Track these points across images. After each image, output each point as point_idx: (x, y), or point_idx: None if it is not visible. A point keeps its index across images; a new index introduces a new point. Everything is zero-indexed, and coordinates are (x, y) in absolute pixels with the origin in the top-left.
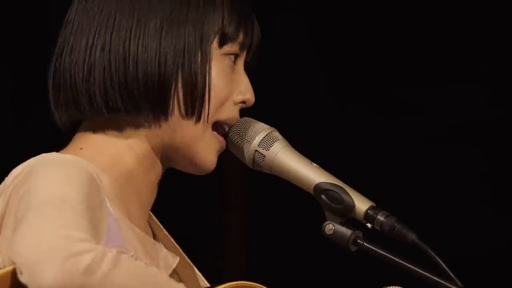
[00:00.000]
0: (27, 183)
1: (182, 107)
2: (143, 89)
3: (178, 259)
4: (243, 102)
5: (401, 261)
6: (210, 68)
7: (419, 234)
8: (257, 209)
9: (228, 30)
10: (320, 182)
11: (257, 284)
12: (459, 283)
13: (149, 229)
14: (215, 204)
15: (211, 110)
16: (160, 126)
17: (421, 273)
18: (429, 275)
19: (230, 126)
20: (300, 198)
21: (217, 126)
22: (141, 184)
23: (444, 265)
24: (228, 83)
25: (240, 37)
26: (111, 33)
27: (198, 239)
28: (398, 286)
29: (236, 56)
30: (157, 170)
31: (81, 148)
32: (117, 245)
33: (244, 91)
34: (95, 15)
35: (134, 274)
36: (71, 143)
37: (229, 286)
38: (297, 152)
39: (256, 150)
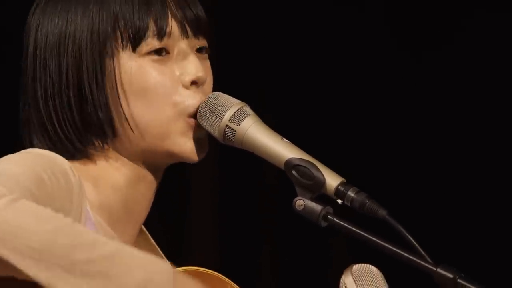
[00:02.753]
0: None
1: (114, 131)
2: (76, 139)
3: None
4: (195, 82)
5: (371, 237)
6: (116, 82)
7: (399, 213)
8: (226, 184)
9: (132, 30)
10: (291, 158)
11: (208, 270)
12: (430, 260)
13: (133, 243)
14: (182, 179)
15: (156, 114)
16: (119, 146)
17: (392, 249)
18: (400, 252)
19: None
20: (271, 173)
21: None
22: (129, 199)
23: (414, 242)
24: (162, 77)
25: (152, 26)
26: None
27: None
28: (368, 264)
29: (160, 49)
30: (148, 182)
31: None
32: None
33: (189, 71)
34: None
35: (32, 213)
36: None
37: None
38: (268, 127)
39: (226, 125)
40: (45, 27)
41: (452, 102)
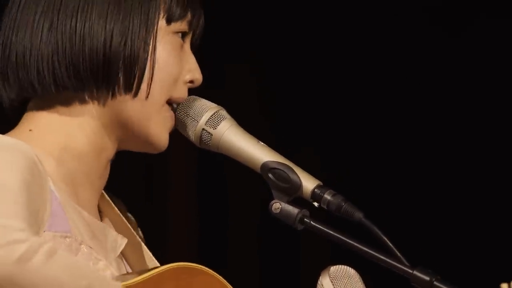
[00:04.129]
0: None
1: (128, 85)
2: (89, 65)
3: (126, 240)
4: (191, 81)
5: (348, 240)
6: (154, 45)
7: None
8: (205, 188)
9: (176, 8)
10: (267, 161)
11: (198, 265)
12: (406, 262)
13: (97, 211)
14: (161, 185)
15: (160, 88)
16: (109, 104)
17: (369, 252)
18: (377, 254)
19: (178, 105)
20: (248, 177)
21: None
22: (91, 166)
23: (390, 244)
24: (178, 60)
25: (188, 15)
26: (59, 11)
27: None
28: (345, 265)
29: (184, 34)
30: (109, 151)
31: (31, 130)
32: (61, 230)
33: (193, 70)
34: None
35: (68, 268)
36: (20, 123)
37: (169, 267)
38: (244, 131)
39: (203, 129)
40: None
41: (427, 110)
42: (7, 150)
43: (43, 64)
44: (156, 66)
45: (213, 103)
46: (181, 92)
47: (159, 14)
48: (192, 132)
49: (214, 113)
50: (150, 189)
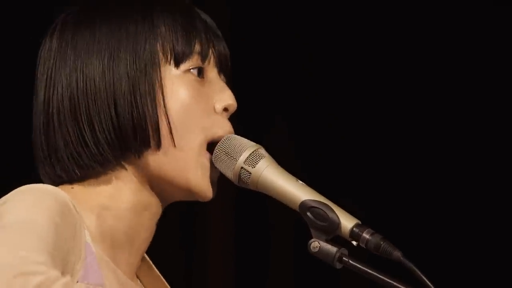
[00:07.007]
0: (1, 209)
1: (148, 143)
2: (105, 144)
3: None
4: (226, 109)
5: (387, 279)
6: (162, 96)
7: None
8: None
9: (178, 45)
10: (306, 200)
11: None
12: None
13: (134, 273)
14: (199, 221)
15: (186, 132)
16: (140, 164)
17: None
18: None
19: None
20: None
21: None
22: (132, 225)
23: (430, 284)
24: (198, 98)
25: (197, 48)
26: (62, 94)
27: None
28: None
29: (200, 68)
30: (152, 212)
31: (72, 188)
32: (94, 283)
33: (222, 97)
34: (41, 77)
35: None
36: (62, 185)
37: None
38: (283, 170)
39: (242, 167)
40: (81, 40)
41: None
42: (42, 193)
43: (61, 157)
44: (170, 114)
45: (251, 142)
46: (219, 126)
47: (159, 61)
48: (231, 171)
49: (253, 151)
50: (190, 233)
